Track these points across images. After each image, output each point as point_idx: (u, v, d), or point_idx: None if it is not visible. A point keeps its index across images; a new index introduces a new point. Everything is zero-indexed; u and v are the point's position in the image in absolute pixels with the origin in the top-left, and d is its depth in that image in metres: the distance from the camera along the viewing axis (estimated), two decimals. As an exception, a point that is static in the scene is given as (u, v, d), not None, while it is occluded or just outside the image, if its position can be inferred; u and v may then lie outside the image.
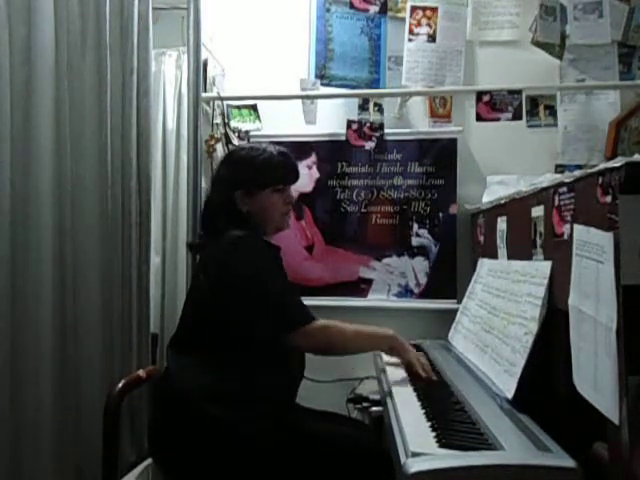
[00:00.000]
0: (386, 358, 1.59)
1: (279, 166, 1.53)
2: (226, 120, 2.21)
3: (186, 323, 1.48)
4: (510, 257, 1.52)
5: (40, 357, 1.79)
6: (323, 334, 1.40)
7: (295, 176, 1.59)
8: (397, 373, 1.47)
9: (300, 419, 1.43)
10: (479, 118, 1.98)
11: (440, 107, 2.23)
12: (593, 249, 0.92)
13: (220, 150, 2.25)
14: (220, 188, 1.54)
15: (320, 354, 1.47)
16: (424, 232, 2.18)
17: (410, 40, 2.13)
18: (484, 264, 1.77)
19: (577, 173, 1.04)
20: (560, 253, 1.09)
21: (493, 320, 1.43)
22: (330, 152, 2.23)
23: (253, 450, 1.29)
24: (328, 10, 2.22)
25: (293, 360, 1.48)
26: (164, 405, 1.41)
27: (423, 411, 1.16)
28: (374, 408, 1.81)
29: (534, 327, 1.15)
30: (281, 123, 2.24)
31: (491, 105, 1.96)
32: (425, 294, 2.17)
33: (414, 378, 1.40)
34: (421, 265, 2.17)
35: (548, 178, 1.27)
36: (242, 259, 1.40)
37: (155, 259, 2.17)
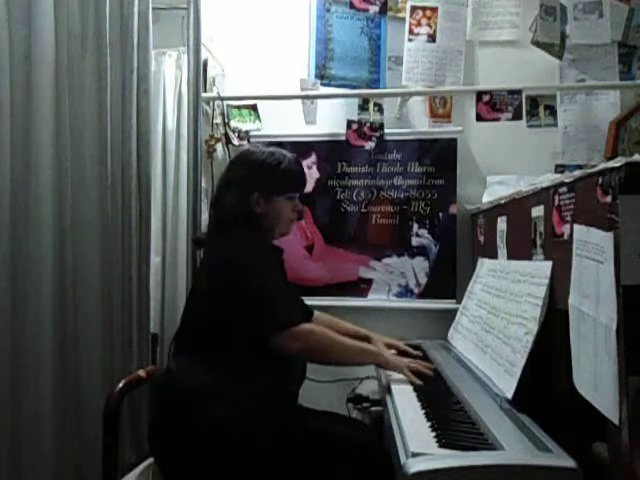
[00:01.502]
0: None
1: (298, 175, 1.57)
2: (226, 120, 2.21)
3: (188, 321, 1.50)
4: (510, 257, 1.52)
5: (40, 357, 1.79)
6: (308, 338, 1.38)
7: (305, 185, 1.64)
8: (397, 373, 1.47)
9: (300, 419, 1.43)
10: (479, 118, 1.99)
11: (440, 107, 2.23)
12: (593, 249, 0.92)
13: (220, 150, 2.25)
14: (238, 188, 1.52)
15: (303, 359, 1.47)
16: (424, 232, 2.18)
17: (410, 40, 2.12)
18: (484, 264, 1.77)
19: (577, 173, 1.04)
20: (560, 253, 1.09)
21: (493, 320, 1.43)
22: (330, 152, 2.24)
23: (253, 450, 1.29)
24: (328, 10, 2.22)
25: (294, 360, 1.48)
26: (165, 404, 1.41)
27: (423, 411, 1.16)
28: (374, 408, 1.81)
29: (534, 327, 1.15)
30: (281, 123, 2.24)
31: (491, 105, 1.96)
32: (425, 294, 2.17)
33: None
34: (421, 265, 2.17)
35: (548, 178, 1.27)
36: (243, 258, 1.41)
37: (155, 259, 2.16)
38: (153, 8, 1.96)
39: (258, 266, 1.42)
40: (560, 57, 2.11)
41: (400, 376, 1.43)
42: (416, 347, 1.71)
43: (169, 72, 2.26)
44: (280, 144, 2.16)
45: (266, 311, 1.38)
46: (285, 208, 1.55)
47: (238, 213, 1.49)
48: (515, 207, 1.47)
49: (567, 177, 1.09)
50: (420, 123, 2.25)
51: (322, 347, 1.41)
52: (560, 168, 2.12)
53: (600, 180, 0.92)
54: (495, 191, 1.87)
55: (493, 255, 1.67)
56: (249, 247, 1.44)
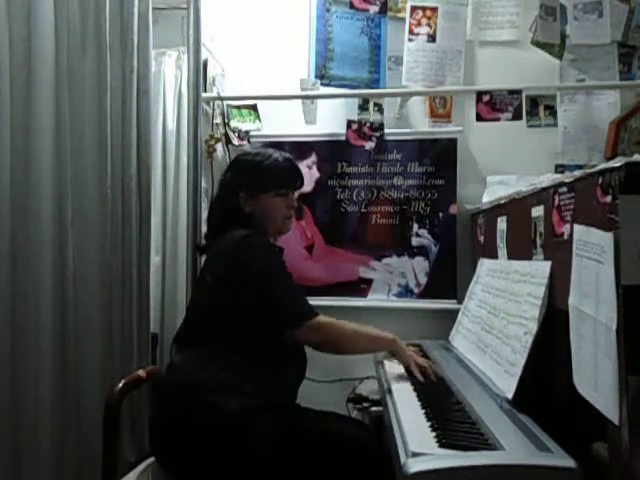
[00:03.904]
0: (385, 354, 1.60)
1: (283, 171, 1.58)
2: (226, 120, 2.21)
3: (192, 320, 1.52)
4: (510, 257, 1.52)
5: (40, 357, 1.79)
6: (325, 330, 1.43)
7: (299, 182, 1.64)
8: (397, 373, 1.47)
9: (300, 419, 1.43)
10: (479, 118, 1.98)
11: (440, 107, 2.23)
12: (593, 249, 0.92)
13: (220, 150, 2.25)
14: (225, 191, 1.60)
15: (319, 349, 1.49)
16: (424, 232, 2.18)
17: (410, 40, 2.12)
18: (484, 264, 1.77)
19: (577, 173, 1.04)
20: (560, 253, 1.09)
21: (493, 320, 1.43)
22: (330, 152, 2.23)
23: (253, 448, 1.29)
24: (328, 10, 2.21)
25: (295, 358, 1.49)
26: (167, 399, 1.42)
27: (423, 411, 1.16)
28: (374, 408, 1.80)
29: (534, 327, 1.15)
30: (281, 123, 2.24)
31: (491, 105, 1.96)
32: (425, 294, 2.17)
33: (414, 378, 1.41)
34: (421, 265, 2.17)
35: (548, 178, 1.27)
36: (251, 255, 1.43)
37: (155, 258, 2.17)
38: (153, 8, 1.96)
39: (269, 262, 1.45)
40: (560, 57, 2.12)
41: (400, 376, 1.43)
42: (416, 347, 1.71)
43: (169, 72, 2.26)
44: (280, 144, 2.17)
45: (284, 306, 1.42)
46: (274, 205, 1.56)
47: (229, 214, 1.54)
48: (515, 207, 1.47)
49: (567, 177, 1.09)
50: (420, 123, 2.25)
51: (339, 337, 1.46)
52: (560, 168, 2.12)
53: (600, 180, 0.92)
54: (495, 191, 1.87)
55: (493, 255, 1.67)
56: (255, 245, 1.46)
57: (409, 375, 1.43)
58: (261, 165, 1.57)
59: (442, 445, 0.97)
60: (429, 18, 2.12)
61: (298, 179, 1.63)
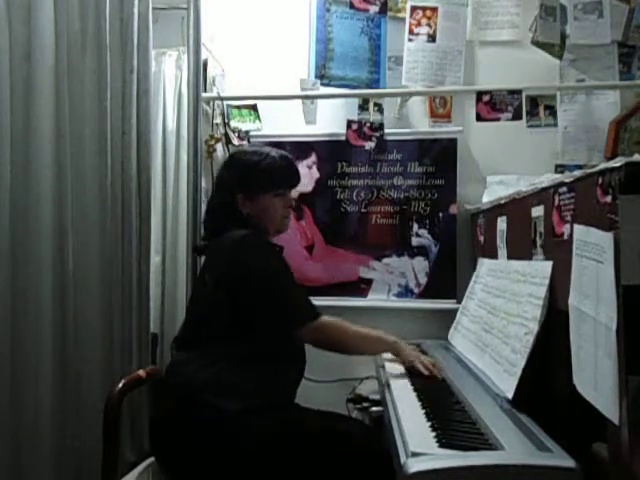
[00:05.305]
0: (385, 355, 1.61)
1: (281, 171, 1.56)
2: (226, 120, 2.21)
3: (192, 320, 1.51)
4: (510, 257, 1.52)
5: (40, 357, 1.79)
6: (327, 332, 1.45)
7: (296, 180, 1.63)
8: (397, 373, 1.47)
9: (300, 419, 1.43)
10: (479, 118, 1.99)
11: (440, 107, 2.23)
12: (593, 249, 0.92)
13: (220, 150, 2.25)
14: (222, 191, 1.58)
15: (321, 348, 1.50)
16: (424, 232, 2.18)
17: (410, 40, 2.12)
18: (484, 264, 1.77)
19: (577, 173, 1.04)
20: (560, 253, 1.09)
21: (493, 320, 1.43)
22: (330, 152, 2.23)
23: (253, 450, 1.29)
24: (328, 10, 2.21)
25: (295, 358, 1.49)
26: (167, 400, 1.41)
27: (423, 411, 1.16)
28: (374, 408, 1.80)
29: (534, 327, 1.15)
30: (281, 123, 2.24)
31: (491, 105, 1.96)
32: (425, 294, 2.17)
33: (417, 376, 1.42)
34: (421, 265, 2.17)
35: (548, 178, 1.27)
36: (252, 255, 1.43)
37: (155, 259, 2.17)
38: (153, 8, 1.96)
39: (271, 262, 1.45)
40: (560, 57, 2.12)
41: (400, 376, 1.43)
42: (416, 347, 1.71)
43: (169, 72, 2.26)
44: (280, 144, 2.17)
45: (290, 307, 1.43)
46: (273, 205, 1.55)
47: (227, 216, 1.52)
48: (515, 207, 1.47)
49: (567, 177, 1.09)
50: (420, 123, 2.25)
51: (342, 339, 1.47)
52: (560, 168, 2.12)
53: (600, 180, 0.92)
54: (495, 191, 1.87)
55: (493, 255, 1.67)
56: (256, 245, 1.46)
57: (409, 375, 1.43)
58: (259, 165, 1.54)
59: (442, 445, 0.97)
60: (429, 18, 2.12)
61: (296, 177, 1.62)
